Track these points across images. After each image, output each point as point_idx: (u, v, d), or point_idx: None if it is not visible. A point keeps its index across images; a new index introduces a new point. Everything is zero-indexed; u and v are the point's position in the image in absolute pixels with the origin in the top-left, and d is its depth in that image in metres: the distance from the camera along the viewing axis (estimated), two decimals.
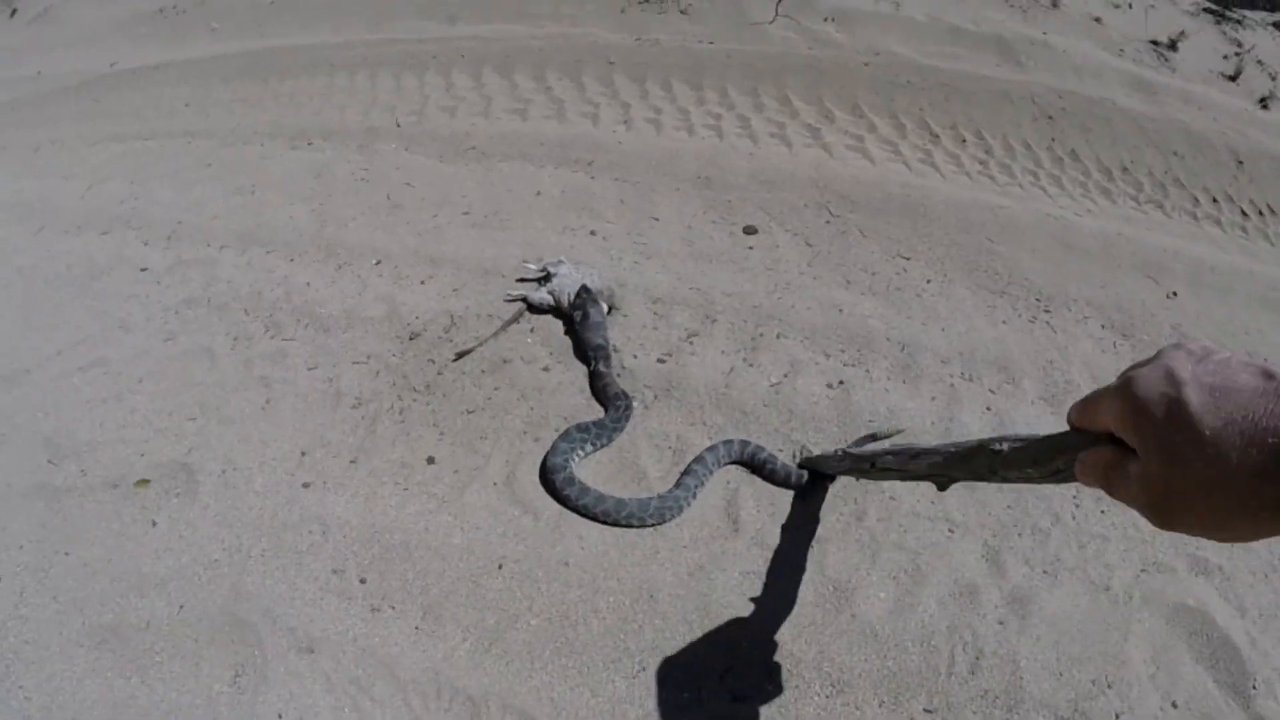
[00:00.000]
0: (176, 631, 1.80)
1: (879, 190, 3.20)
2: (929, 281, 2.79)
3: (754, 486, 2.10)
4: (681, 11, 4.35)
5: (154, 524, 2.08)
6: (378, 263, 2.96)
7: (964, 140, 3.64)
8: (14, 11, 9.29)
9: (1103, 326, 2.68)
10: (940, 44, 4.14)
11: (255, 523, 2.03)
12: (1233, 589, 1.91)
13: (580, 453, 2.16)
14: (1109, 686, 1.68)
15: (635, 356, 2.49)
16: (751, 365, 2.43)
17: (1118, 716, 1.63)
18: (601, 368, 2.39)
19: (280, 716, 1.62)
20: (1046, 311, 2.70)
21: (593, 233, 3.02)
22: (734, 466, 2.15)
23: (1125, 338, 2.65)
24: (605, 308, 2.59)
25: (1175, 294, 2.89)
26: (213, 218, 3.39)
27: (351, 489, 2.11)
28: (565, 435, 2.16)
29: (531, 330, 2.64)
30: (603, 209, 3.14)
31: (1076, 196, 3.42)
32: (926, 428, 2.23)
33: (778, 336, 2.52)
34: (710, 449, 2.12)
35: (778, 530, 1.99)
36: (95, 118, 4.88)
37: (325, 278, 2.92)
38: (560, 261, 2.73)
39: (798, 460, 2.14)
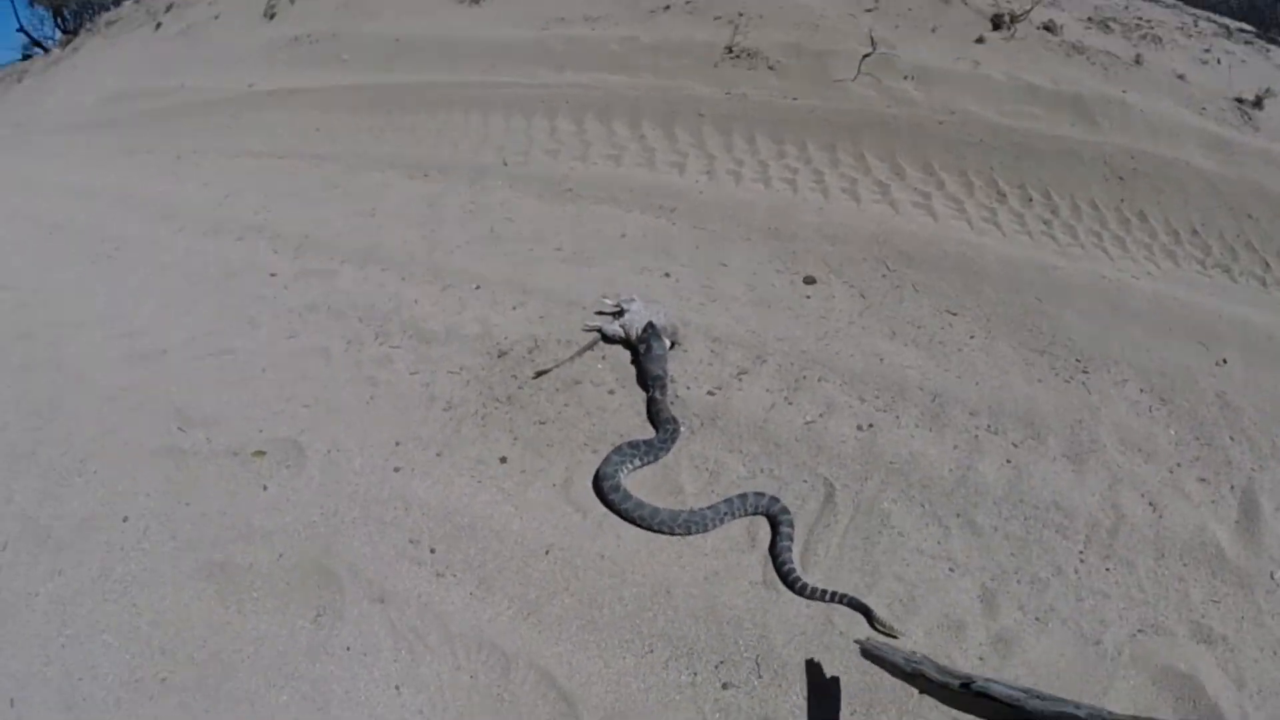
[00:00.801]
0: (274, 574, 2.18)
1: (936, 248, 3.36)
2: (972, 337, 2.94)
3: None
4: (769, 67, 4.61)
5: (265, 488, 2.47)
6: (477, 287, 3.37)
7: (1030, 199, 3.74)
8: (158, 25, 10.48)
9: (1141, 390, 2.76)
10: (1017, 103, 4.23)
11: (350, 496, 2.40)
12: (1235, 660, 1.96)
13: (629, 466, 2.45)
14: None
15: (688, 388, 2.77)
16: (791, 403, 2.67)
17: None
18: (657, 395, 2.69)
19: (348, 649, 1.98)
20: (1085, 372, 2.80)
21: (666, 274, 3.32)
22: None
23: (1163, 402, 2.72)
24: (668, 343, 2.88)
25: (1225, 361, 2.91)
26: (336, 235, 3.91)
27: (434, 476, 2.47)
28: (618, 449, 2.47)
29: (603, 358, 2.96)
30: (678, 252, 3.45)
31: (1139, 259, 3.46)
32: (944, 474, 2.41)
33: (819, 380, 2.75)
34: (755, 494, 2.33)
35: None
36: (234, 133, 5.55)
37: (431, 297, 3.34)
38: (633, 299, 3.04)
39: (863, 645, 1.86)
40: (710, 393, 2.75)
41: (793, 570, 2.12)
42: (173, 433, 2.74)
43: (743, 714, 1.82)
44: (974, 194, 3.77)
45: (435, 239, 3.75)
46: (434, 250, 3.66)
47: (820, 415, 2.62)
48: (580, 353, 2.96)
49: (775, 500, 2.34)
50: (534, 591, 2.11)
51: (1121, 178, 3.80)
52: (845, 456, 2.47)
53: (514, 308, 3.23)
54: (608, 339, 3.00)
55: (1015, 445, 2.52)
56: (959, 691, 1.47)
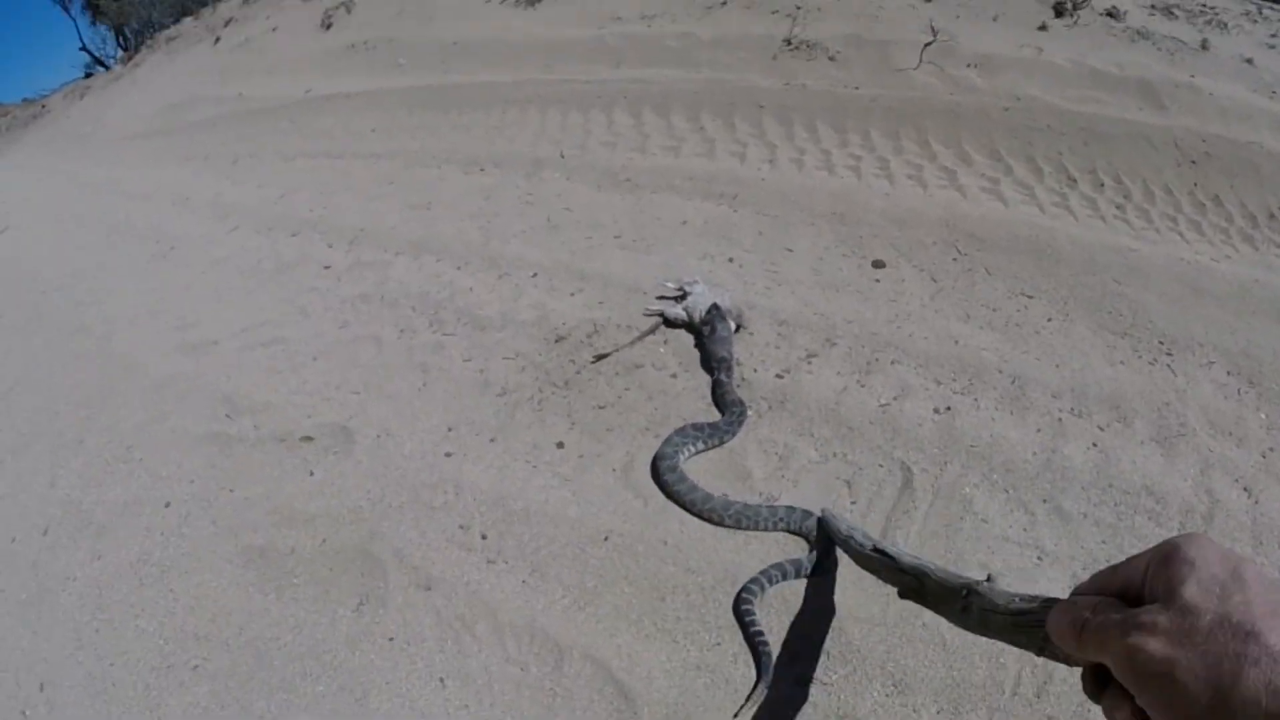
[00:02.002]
0: (316, 560, 2.14)
1: (1007, 230, 3.25)
2: (1049, 320, 2.83)
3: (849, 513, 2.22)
4: (830, 58, 4.52)
5: (311, 473, 2.45)
6: (534, 275, 3.35)
7: (1102, 184, 3.59)
8: (217, 40, 10.74)
9: (1228, 373, 2.62)
10: (1082, 88, 4.08)
11: (399, 480, 2.35)
12: None
13: (690, 448, 2.35)
14: None
15: (755, 370, 2.70)
16: (864, 386, 2.59)
17: None
18: (723, 378, 2.62)
19: (391, 640, 1.91)
20: (1169, 354, 2.68)
21: (730, 259, 3.26)
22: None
23: (1252, 385, 2.58)
24: (733, 325, 2.82)
25: None
26: (391, 228, 3.92)
27: (487, 461, 2.40)
28: (680, 430, 2.37)
29: (665, 342, 2.91)
30: (741, 238, 3.38)
31: (1216, 243, 3.30)
32: (1028, 458, 2.31)
33: (892, 362, 2.66)
34: (822, 514, 1.93)
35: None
36: (290, 136, 5.64)
37: (486, 285, 3.32)
38: (695, 282, 2.99)
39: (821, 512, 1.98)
40: (779, 375, 2.68)
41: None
42: (220, 420, 2.76)
43: (819, 711, 1.70)
44: (1043, 179, 3.64)
45: (491, 229, 3.74)
46: (489, 240, 3.65)
47: (895, 398, 2.54)
48: (642, 336, 2.91)
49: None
50: (591, 579, 2.01)
51: (1194, 161, 3.64)
52: (923, 440, 2.38)
53: (572, 294, 3.20)
54: (670, 323, 2.95)
55: (1101, 429, 2.41)
56: (873, 556, 1.37)
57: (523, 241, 3.60)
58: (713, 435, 2.40)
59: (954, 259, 3.14)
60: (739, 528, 2.13)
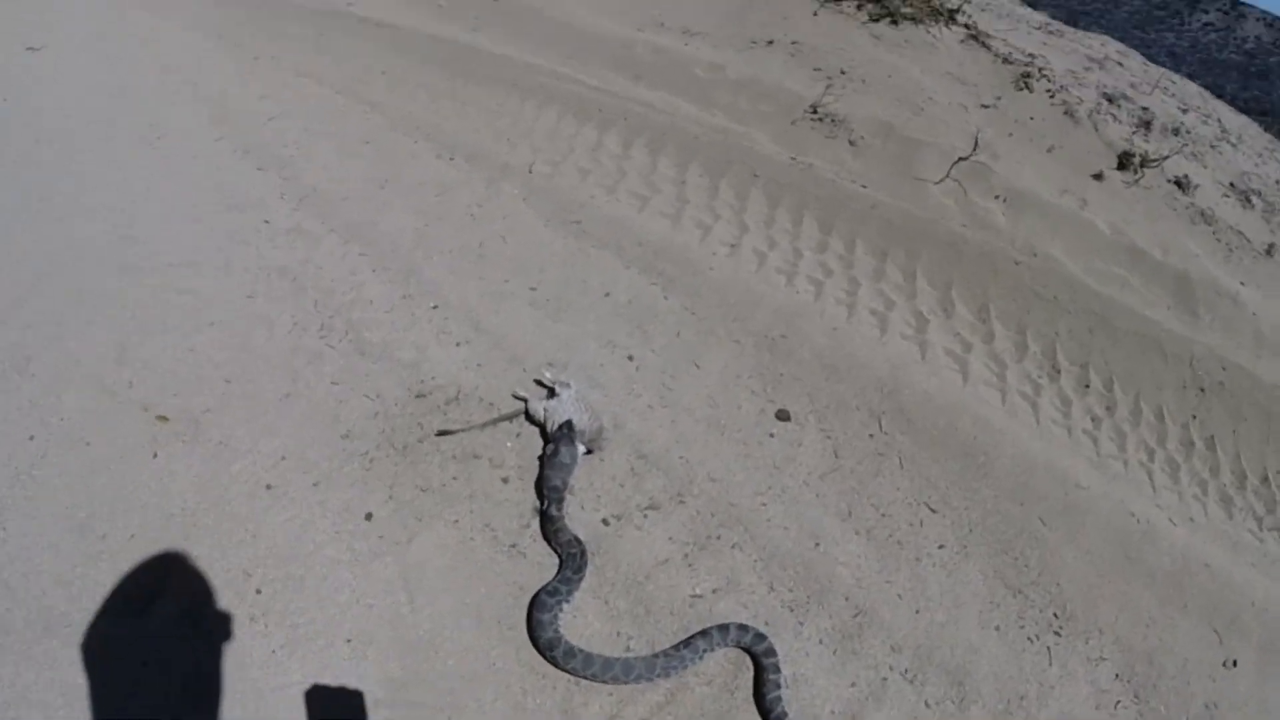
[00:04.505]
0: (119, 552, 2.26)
1: (948, 419, 2.97)
2: (940, 547, 2.57)
3: None
4: (850, 142, 4.22)
5: (155, 455, 2.52)
6: (435, 307, 3.19)
7: (1087, 386, 3.28)
8: None
9: (1116, 676, 2.35)
10: (1112, 263, 3.74)
11: (216, 499, 2.40)
12: None
13: (562, 615, 2.22)
14: None
15: (583, 508, 2.51)
16: (689, 566, 2.38)
17: None
18: (553, 511, 2.44)
19: (143, 664, 1.80)
20: (1057, 634, 2.41)
21: (630, 357, 3.05)
22: None
23: (1137, 700, 2.32)
24: (581, 450, 2.62)
25: (1235, 663, 2.47)
26: (341, 197, 3.80)
27: (297, 509, 2.42)
28: (541, 606, 2.21)
29: (517, 435, 2.73)
30: (655, 334, 3.16)
31: (1187, 496, 2.99)
32: (822, 713, 2.07)
33: (733, 546, 2.45)
34: (737, 626, 2.21)
35: None
36: (311, 53, 5.52)
37: (387, 302, 3.21)
38: (568, 385, 2.78)
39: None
40: (605, 521, 2.49)
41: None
42: (109, 365, 2.79)
43: None
44: (1024, 359, 3.34)
45: (424, 235, 3.58)
46: (416, 248, 3.50)
47: (714, 591, 2.33)
48: (494, 422, 2.75)
49: (760, 636, 2.19)
50: (328, 672, 2.05)
51: (1203, 389, 3.30)
52: (714, 655, 2.17)
53: (457, 344, 3.03)
54: (529, 417, 2.75)
55: (927, 705, 2.17)
56: None
57: (443, 263, 3.43)
58: (570, 592, 2.28)
59: (870, 436, 2.88)
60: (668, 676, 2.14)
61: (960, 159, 4.02)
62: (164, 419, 2.62)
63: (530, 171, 4.11)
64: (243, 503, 2.40)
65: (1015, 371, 3.29)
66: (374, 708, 2.00)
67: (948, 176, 3.98)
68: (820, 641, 2.25)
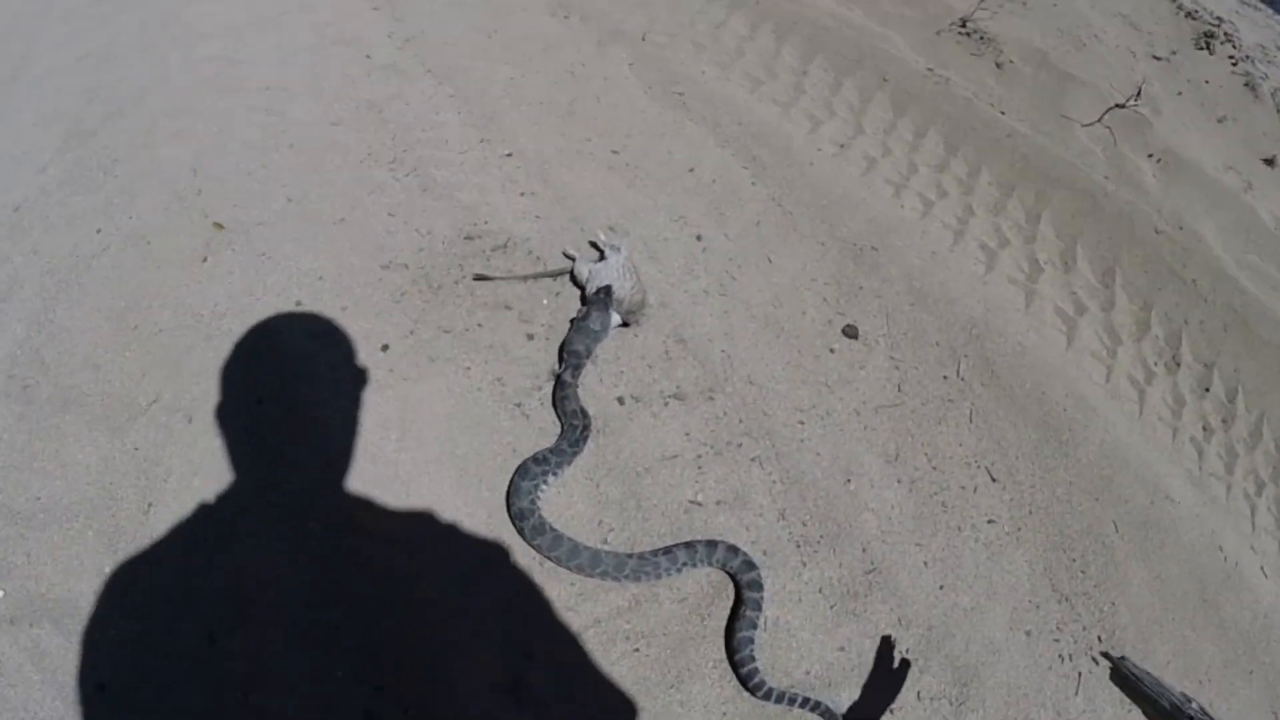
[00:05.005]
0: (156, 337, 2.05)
1: (1036, 381, 2.34)
2: (991, 522, 2.01)
3: None
4: (997, 64, 3.40)
5: (205, 259, 2.27)
6: (508, 155, 2.73)
7: (1207, 390, 2.57)
8: None
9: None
10: (1268, 259, 2.91)
11: (249, 302, 2.15)
12: None
13: (544, 488, 1.82)
14: None
15: (601, 381, 2.06)
16: (698, 468, 1.91)
17: None
18: (567, 377, 2.00)
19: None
20: (1094, 661, 1.86)
21: (699, 238, 2.51)
22: None
23: None
24: (615, 319, 2.13)
25: None
26: (442, 41, 3.32)
27: (319, 327, 2.12)
28: (525, 472, 1.81)
29: (556, 294, 2.29)
30: (733, 218, 2.60)
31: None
32: (805, 673, 1.61)
33: (751, 459, 1.96)
34: (726, 546, 1.76)
35: None
36: None
37: (462, 144, 2.78)
38: (618, 249, 2.28)
39: (1114, 661, 1.83)
40: (621, 400, 2.03)
41: (755, 670, 1.61)
42: (183, 174, 2.53)
43: None
44: (1143, 339, 2.63)
45: (517, 85, 3.07)
46: (505, 96, 3.01)
47: (717, 503, 1.87)
48: (536, 276, 2.32)
49: (750, 564, 1.72)
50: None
51: None
52: (699, 575, 1.71)
53: (521, 194, 2.58)
54: (574, 278, 2.28)
55: (919, 697, 1.69)
56: None
57: (528, 115, 2.95)
58: (560, 464, 1.85)
59: (945, 378, 2.28)
60: (638, 581, 1.73)
61: (1117, 105, 3.17)
62: (220, 226, 2.38)
63: (644, 39, 3.48)
64: (269, 314, 2.12)
65: (1130, 350, 2.59)
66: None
67: (1099, 121, 3.15)
68: (820, 590, 1.77)
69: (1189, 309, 2.72)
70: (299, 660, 1.55)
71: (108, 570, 1.63)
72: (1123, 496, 2.16)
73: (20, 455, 1.84)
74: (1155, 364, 2.60)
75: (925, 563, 1.86)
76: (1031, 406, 2.27)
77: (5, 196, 2.47)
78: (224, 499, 1.75)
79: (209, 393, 1.95)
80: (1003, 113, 3.19)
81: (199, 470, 1.78)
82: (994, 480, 2.08)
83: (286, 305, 2.17)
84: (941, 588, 1.83)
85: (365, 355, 2.07)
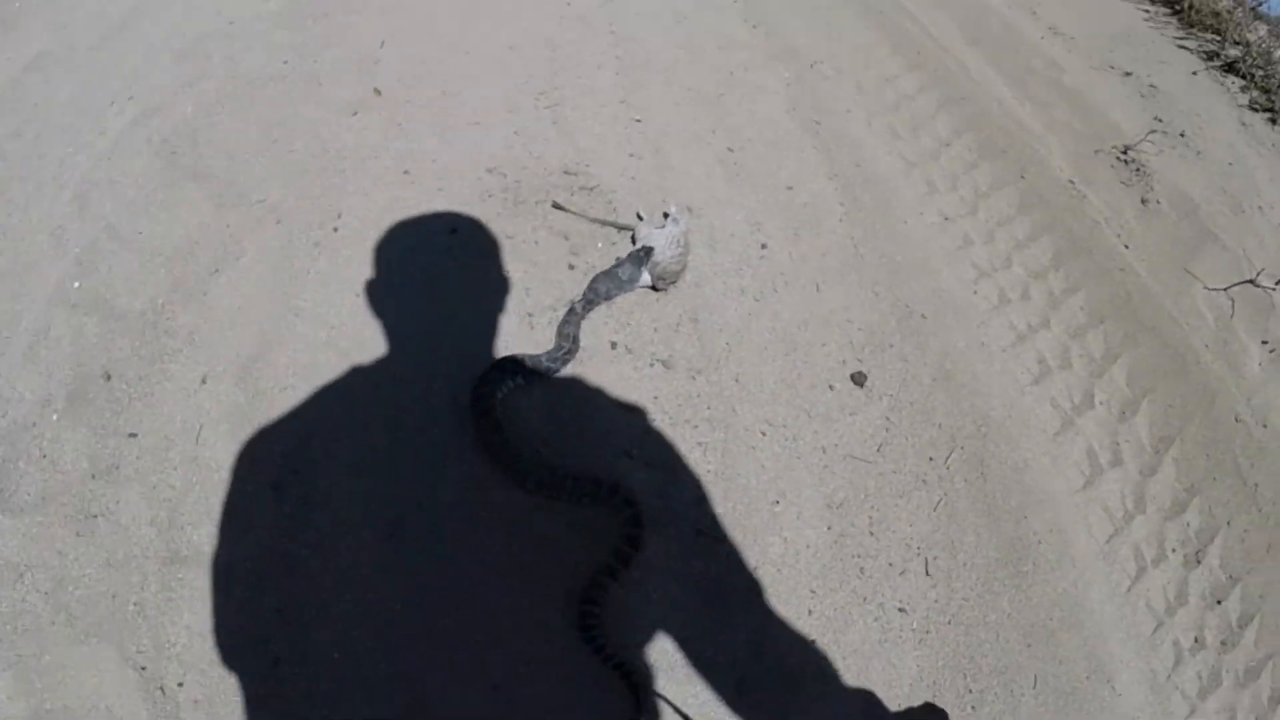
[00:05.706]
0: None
1: (1021, 503, 1.97)
2: (901, 610, 1.72)
3: None
4: (1143, 200, 2.82)
5: (355, 113, 2.41)
6: (638, 120, 2.69)
7: (1219, 603, 2.05)
8: None
9: None
10: None
11: (358, 160, 2.27)
12: None
13: (509, 384, 1.73)
14: None
15: (607, 323, 1.95)
16: (647, 428, 1.74)
17: None
18: (577, 307, 1.92)
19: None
20: None
21: (763, 245, 2.32)
22: None
23: None
24: (646, 278, 1.99)
25: None
26: (636, 14, 3.26)
27: (407, 192, 2.20)
28: (499, 365, 1.73)
29: (613, 244, 2.20)
30: (804, 241, 2.38)
31: None
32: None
33: (700, 444, 1.74)
34: (625, 498, 1.59)
35: None
36: None
37: (604, 99, 2.71)
38: (678, 221, 2.12)
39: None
40: (614, 345, 1.90)
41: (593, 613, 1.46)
42: (369, 51, 2.66)
43: None
44: (1169, 522, 2.15)
45: (677, 68, 2.97)
46: (661, 71, 2.96)
47: (646, 464, 1.68)
48: (603, 222, 2.25)
49: (637, 520, 1.55)
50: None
51: None
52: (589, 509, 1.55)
53: (630, 155, 2.53)
54: (634, 237, 2.16)
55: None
56: None
57: (676, 93, 2.80)
58: (533, 376, 1.75)
59: (930, 458, 1.97)
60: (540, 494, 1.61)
61: (1250, 280, 2.57)
62: (378, 92, 2.50)
63: (812, 66, 3.21)
64: (368, 179, 2.22)
65: (1151, 525, 2.11)
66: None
67: (1224, 289, 2.57)
68: (697, 583, 1.55)
69: (1237, 512, 2.18)
70: None
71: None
72: (1060, 657, 1.76)
73: (145, 199, 2.04)
74: (1173, 551, 2.10)
75: (810, 610, 1.59)
76: (1006, 524, 1.90)
77: (226, 12, 2.68)
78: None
79: (296, 209, 2.09)
80: (1127, 246, 2.67)
81: (263, 258, 1.94)
82: (927, 574, 1.75)
83: (396, 172, 2.24)
84: (813, 642, 1.56)
85: (436, 231, 2.09)
